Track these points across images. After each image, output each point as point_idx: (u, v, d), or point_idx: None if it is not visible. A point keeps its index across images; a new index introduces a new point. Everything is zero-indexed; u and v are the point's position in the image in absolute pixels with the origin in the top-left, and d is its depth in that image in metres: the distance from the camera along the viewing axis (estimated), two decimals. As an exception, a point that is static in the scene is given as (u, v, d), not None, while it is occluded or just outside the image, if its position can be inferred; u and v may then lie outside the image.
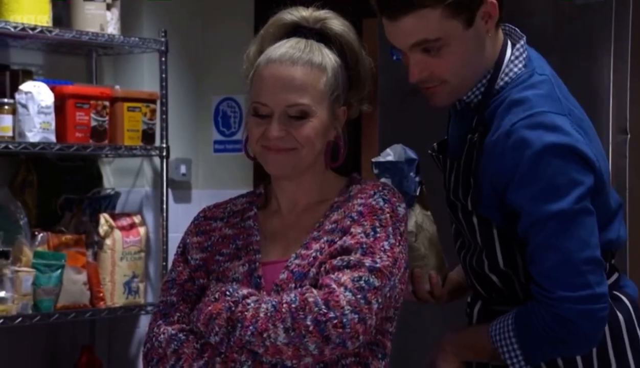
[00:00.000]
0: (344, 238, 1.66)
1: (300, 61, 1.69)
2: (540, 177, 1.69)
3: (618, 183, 2.41)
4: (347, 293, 1.59)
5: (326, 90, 1.70)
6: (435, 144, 1.94)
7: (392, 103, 2.82)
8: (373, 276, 1.62)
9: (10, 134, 3.12)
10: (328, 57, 1.71)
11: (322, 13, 1.75)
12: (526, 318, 1.74)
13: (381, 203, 1.69)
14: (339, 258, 1.64)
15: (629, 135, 2.42)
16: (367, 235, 1.65)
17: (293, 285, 1.66)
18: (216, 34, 3.79)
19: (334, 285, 1.60)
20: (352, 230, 1.67)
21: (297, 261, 1.68)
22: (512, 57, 1.81)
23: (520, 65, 1.81)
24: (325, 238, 1.69)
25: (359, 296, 1.59)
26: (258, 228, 1.76)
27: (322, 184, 1.77)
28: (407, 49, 1.78)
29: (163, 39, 3.54)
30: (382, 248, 1.65)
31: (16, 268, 3.07)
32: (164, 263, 3.57)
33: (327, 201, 1.75)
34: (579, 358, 1.78)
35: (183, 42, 3.74)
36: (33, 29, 3.14)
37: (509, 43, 1.83)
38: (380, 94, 2.83)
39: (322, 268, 1.64)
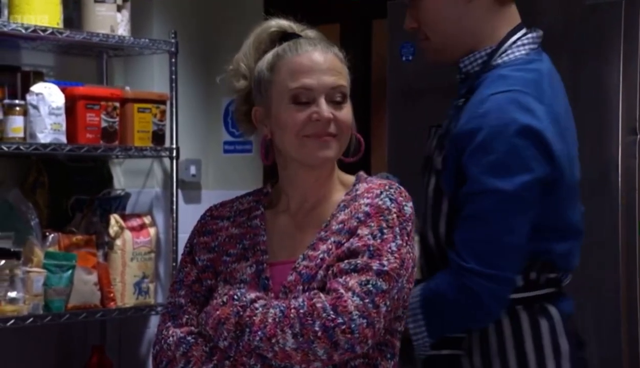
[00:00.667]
0: (351, 240, 1.66)
1: (330, 52, 1.73)
2: (496, 150, 1.72)
3: (628, 184, 2.41)
4: (355, 298, 1.59)
5: (348, 81, 1.75)
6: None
7: (400, 103, 2.83)
8: (381, 279, 1.62)
9: (21, 135, 3.13)
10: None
11: (300, 24, 1.79)
12: (434, 284, 1.81)
13: (388, 203, 1.69)
14: (346, 261, 1.64)
15: (638, 136, 2.42)
16: (374, 237, 1.65)
17: (301, 287, 1.66)
18: (226, 35, 3.80)
19: (341, 290, 1.60)
20: (359, 231, 1.67)
21: (304, 263, 1.68)
22: (519, 42, 1.85)
23: (523, 51, 1.84)
24: (332, 239, 1.69)
25: (366, 300, 1.60)
26: (265, 227, 1.76)
27: (333, 180, 1.77)
28: None
29: (173, 40, 3.55)
30: (390, 250, 1.65)
31: (27, 268, 3.08)
32: (174, 264, 3.58)
33: (335, 199, 1.75)
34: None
35: (193, 43, 3.75)
36: (44, 30, 3.15)
37: (523, 31, 1.86)
38: (389, 94, 2.84)
39: (330, 272, 1.64)
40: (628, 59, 2.41)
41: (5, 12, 3.13)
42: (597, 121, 2.46)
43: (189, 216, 3.57)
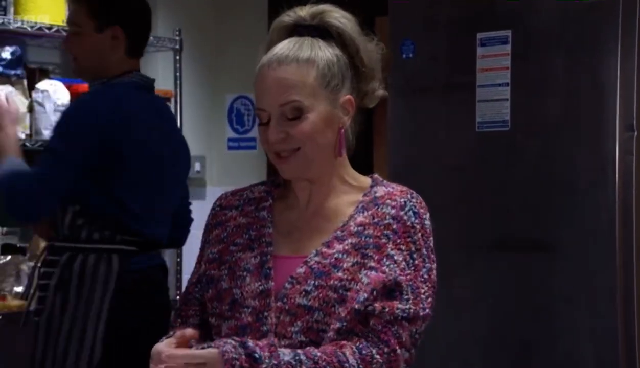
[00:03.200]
0: (391, 266, 1.66)
1: (287, 60, 1.69)
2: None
3: (625, 181, 2.41)
4: (405, 353, 1.64)
5: (319, 82, 1.70)
6: None
7: (401, 100, 2.85)
8: (424, 322, 1.67)
9: (27, 131, 3.16)
10: (320, 50, 1.71)
11: (320, 7, 1.75)
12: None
13: (412, 218, 1.70)
14: (399, 306, 1.64)
15: (635, 133, 2.43)
16: (408, 266, 1.67)
17: (313, 281, 1.66)
18: (230, 33, 3.82)
19: (397, 348, 1.63)
20: (393, 254, 1.67)
21: (317, 258, 1.68)
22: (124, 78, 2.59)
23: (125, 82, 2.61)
24: (349, 240, 1.68)
25: (412, 350, 1.66)
26: (272, 220, 1.76)
27: (338, 176, 1.76)
28: None
29: (177, 38, 3.58)
30: (423, 279, 1.68)
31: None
32: (179, 259, 3.61)
33: (347, 199, 1.75)
34: None
35: (197, 40, 3.78)
36: (49, 28, 3.18)
37: (132, 75, 2.61)
38: (390, 91, 2.85)
39: (380, 306, 1.64)
40: (625, 55, 2.41)
41: (11, 10, 3.17)
42: (594, 118, 2.47)
43: (194, 212, 3.61)
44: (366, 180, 1.79)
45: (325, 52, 1.72)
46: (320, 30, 1.74)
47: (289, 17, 1.76)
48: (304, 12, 1.75)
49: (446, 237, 2.68)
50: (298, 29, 1.75)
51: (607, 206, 2.42)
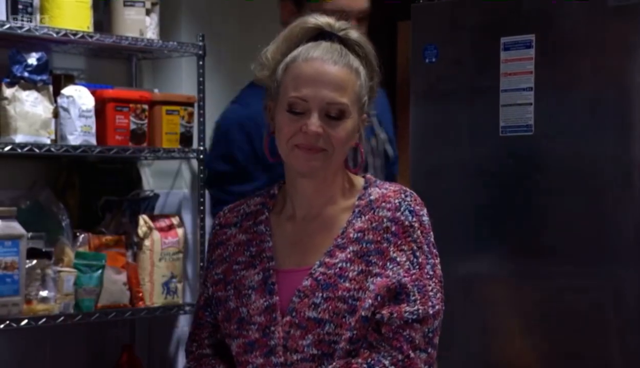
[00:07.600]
0: (393, 268, 1.65)
1: (341, 62, 1.68)
2: None
3: (649, 185, 2.40)
4: (422, 354, 1.63)
5: (359, 94, 1.70)
6: None
7: (423, 105, 2.85)
8: (435, 320, 1.66)
9: (52, 137, 3.18)
10: (360, 64, 1.72)
11: (343, 23, 1.75)
12: None
13: (410, 217, 1.69)
14: (407, 309, 1.63)
15: (661, 136, 2.42)
16: (412, 265, 1.66)
17: (320, 294, 1.65)
18: (253, 38, 3.82)
19: (410, 352, 1.62)
20: (396, 257, 1.66)
21: (321, 269, 1.67)
22: None
23: None
24: (350, 248, 1.68)
25: (429, 349, 1.64)
26: (270, 233, 1.75)
27: (338, 184, 1.75)
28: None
29: (201, 43, 3.59)
30: (428, 276, 1.67)
31: (58, 268, 3.13)
32: (202, 264, 3.60)
33: (344, 204, 1.74)
34: None
35: (220, 46, 3.79)
36: (74, 34, 3.20)
37: None
38: (412, 95, 2.86)
39: (387, 313, 1.63)
40: (650, 60, 2.41)
41: (37, 16, 3.19)
42: (619, 122, 2.46)
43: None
44: (359, 181, 1.77)
45: (362, 67, 1.72)
46: (343, 43, 1.73)
47: (315, 20, 1.74)
48: (330, 20, 1.74)
49: (469, 242, 2.68)
50: (322, 34, 1.74)
51: (633, 211, 2.41)
